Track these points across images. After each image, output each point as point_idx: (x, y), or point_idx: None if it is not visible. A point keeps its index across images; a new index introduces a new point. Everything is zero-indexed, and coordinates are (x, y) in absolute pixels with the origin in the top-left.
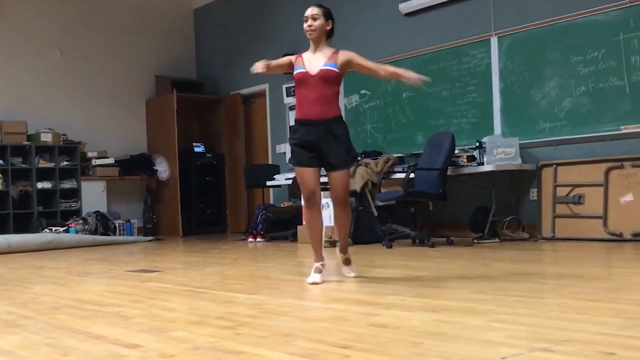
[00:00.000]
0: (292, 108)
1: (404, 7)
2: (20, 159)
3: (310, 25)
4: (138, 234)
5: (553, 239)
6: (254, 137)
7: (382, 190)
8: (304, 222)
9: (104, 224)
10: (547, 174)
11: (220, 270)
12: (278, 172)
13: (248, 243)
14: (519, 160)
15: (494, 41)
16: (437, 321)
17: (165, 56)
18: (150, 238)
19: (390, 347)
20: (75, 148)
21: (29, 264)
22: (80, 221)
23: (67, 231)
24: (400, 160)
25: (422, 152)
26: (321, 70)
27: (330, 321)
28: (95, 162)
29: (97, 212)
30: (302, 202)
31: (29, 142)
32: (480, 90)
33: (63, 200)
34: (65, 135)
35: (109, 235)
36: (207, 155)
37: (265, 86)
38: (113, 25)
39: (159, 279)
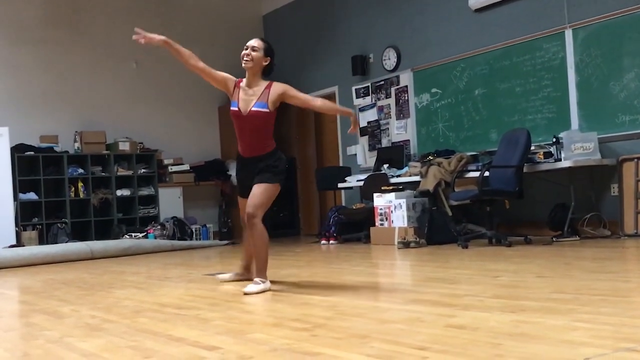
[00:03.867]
0: (362, 109)
1: (473, 3)
2: (100, 168)
3: (248, 55)
4: (214, 238)
5: (636, 235)
6: (324, 139)
7: (456, 189)
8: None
9: (181, 229)
10: (628, 169)
11: (295, 273)
12: (349, 174)
13: (321, 245)
14: (598, 155)
15: (568, 34)
16: (517, 322)
17: (236, 63)
18: (226, 242)
19: (468, 348)
20: (152, 156)
21: (111, 269)
22: (159, 227)
23: (146, 237)
24: (474, 159)
25: (496, 149)
26: (252, 111)
27: (406, 322)
28: (171, 169)
29: (174, 218)
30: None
31: (107, 151)
32: (556, 84)
33: (141, 207)
34: (142, 143)
35: (186, 240)
36: None
37: (334, 88)
38: (185, 35)
39: (235, 282)
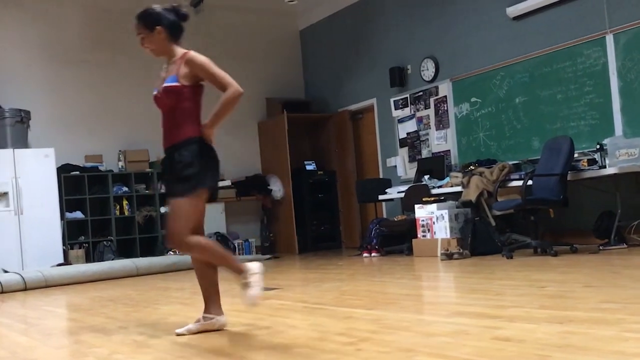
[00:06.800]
0: (401, 121)
1: (511, 11)
2: (143, 186)
3: (143, 45)
4: (256, 253)
5: None
6: (364, 152)
7: (499, 199)
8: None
9: (224, 244)
10: None
11: (338, 286)
12: (390, 186)
13: (363, 258)
14: None
15: (609, 39)
16: (565, 333)
17: (274, 79)
18: (268, 256)
19: None
20: None
21: (156, 285)
22: None
23: None
24: (517, 168)
25: (539, 158)
26: (162, 88)
27: (452, 335)
28: None
29: (217, 233)
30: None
31: (151, 169)
32: (598, 90)
33: None
34: None
35: None
36: (319, 172)
37: (373, 101)
38: (224, 53)
39: (279, 296)
